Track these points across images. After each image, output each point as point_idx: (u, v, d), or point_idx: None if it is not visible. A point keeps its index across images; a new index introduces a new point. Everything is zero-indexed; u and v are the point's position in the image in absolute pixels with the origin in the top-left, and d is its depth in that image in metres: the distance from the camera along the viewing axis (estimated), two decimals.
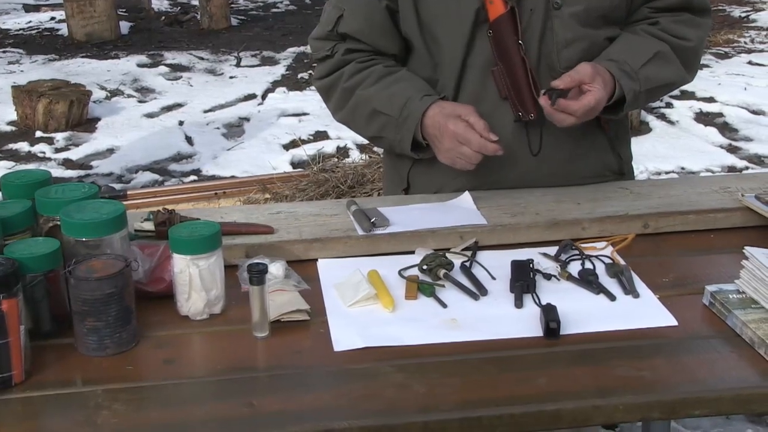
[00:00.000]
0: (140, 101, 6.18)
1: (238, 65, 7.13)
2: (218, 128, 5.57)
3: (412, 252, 1.54)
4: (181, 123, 5.67)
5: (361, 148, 4.95)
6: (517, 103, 1.67)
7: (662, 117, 5.55)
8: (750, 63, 6.78)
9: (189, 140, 5.36)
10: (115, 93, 6.31)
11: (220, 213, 1.67)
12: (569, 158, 1.73)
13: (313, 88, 6.04)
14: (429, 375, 1.20)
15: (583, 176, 1.78)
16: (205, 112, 5.90)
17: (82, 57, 7.26)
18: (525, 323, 1.32)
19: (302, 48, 7.41)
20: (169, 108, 6.00)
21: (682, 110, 5.65)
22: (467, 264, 1.50)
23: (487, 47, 1.65)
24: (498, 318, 1.34)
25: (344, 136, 5.10)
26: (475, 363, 1.23)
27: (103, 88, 6.37)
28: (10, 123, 5.64)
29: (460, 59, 1.66)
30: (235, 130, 5.58)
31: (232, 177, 4.60)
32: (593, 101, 1.57)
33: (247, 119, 5.74)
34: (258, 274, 1.27)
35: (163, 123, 5.68)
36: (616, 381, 1.18)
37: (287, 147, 5.18)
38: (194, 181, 4.68)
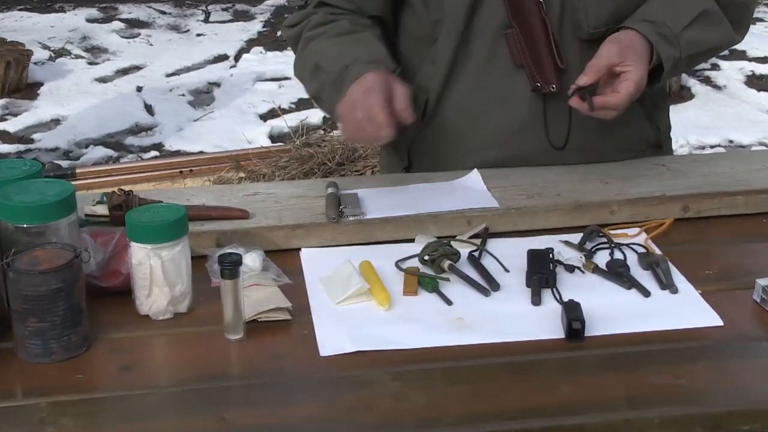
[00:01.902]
0: (90, 63, 6.17)
1: (206, 21, 7.12)
2: (183, 95, 5.57)
3: (412, 240, 1.54)
4: (139, 89, 5.66)
5: None
6: (535, 72, 1.67)
7: (707, 81, 5.56)
8: None
9: (149, 109, 5.36)
10: (60, 53, 6.30)
11: (187, 194, 1.67)
12: (598, 131, 1.73)
13: None
14: (431, 383, 1.21)
15: (614, 150, 1.78)
16: (168, 76, 5.89)
17: (21, 10, 7.24)
18: (544, 323, 1.33)
19: (282, 1, 7.39)
20: (125, 71, 5.99)
21: (730, 72, 5.66)
22: (476, 254, 1.50)
23: (499, 3, 1.65)
24: (512, 317, 1.35)
25: None
26: (484, 369, 1.24)
27: (46, 47, 6.35)
28: None
29: (464, 15, 1.66)
30: (203, 97, 5.58)
31: (200, 152, 4.60)
32: (633, 87, 1.56)
33: (218, 84, 5.74)
34: (231, 267, 1.27)
35: (118, 89, 5.67)
36: (651, 390, 1.19)
37: (265, 117, 5.18)
38: (155, 157, 4.68)
